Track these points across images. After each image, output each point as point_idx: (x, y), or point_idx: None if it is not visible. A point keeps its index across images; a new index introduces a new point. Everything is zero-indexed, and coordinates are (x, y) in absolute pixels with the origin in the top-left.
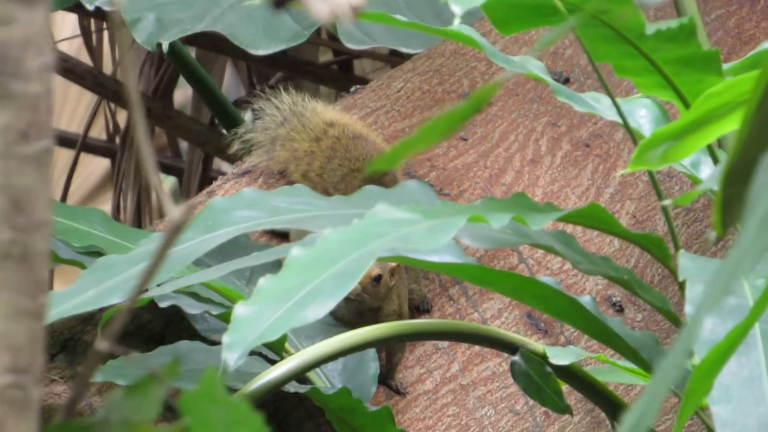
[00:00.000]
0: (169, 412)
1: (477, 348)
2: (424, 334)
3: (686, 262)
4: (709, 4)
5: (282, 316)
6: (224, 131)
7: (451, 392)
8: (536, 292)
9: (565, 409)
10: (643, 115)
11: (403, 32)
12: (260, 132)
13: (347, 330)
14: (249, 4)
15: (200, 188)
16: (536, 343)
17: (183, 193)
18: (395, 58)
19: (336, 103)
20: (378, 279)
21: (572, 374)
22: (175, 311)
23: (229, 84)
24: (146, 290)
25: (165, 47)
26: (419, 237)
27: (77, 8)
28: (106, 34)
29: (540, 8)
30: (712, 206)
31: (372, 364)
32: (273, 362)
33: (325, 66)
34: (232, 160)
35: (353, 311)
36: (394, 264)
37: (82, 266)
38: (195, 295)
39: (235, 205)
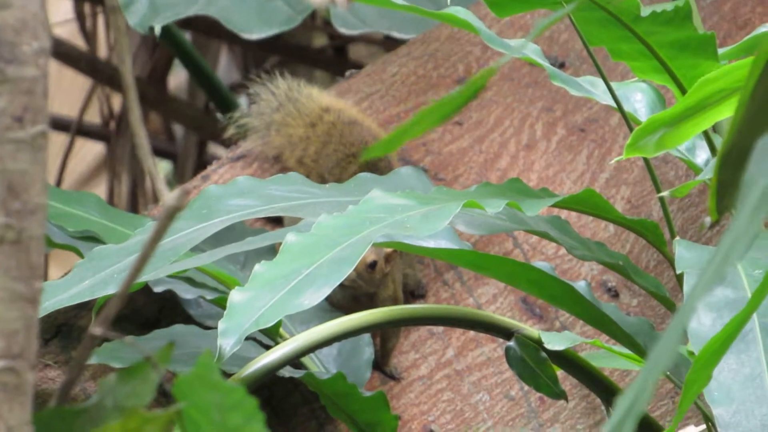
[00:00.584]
0: (164, 396)
1: (472, 333)
2: (419, 320)
3: (683, 252)
4: None
5: (277, 303)
6: (219, 116)
7: (446, 377)
8: (531, 277)
9: (560, 395)
10: (639, 99)
11: (397, 17)
12: (255, 117)
13: (342, 315)
14: None
15: (195, 173)
16: (531, 329)
17: (178, 177)
18: (390, 43)
19: (331, 87)
20: (373, 265)
21: (567, 359)
22: (170, 296)
23: (224, 68)
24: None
25: (157, 30)
26: (414, 223)
27: None
28: (101, 18)
29: None
30: (708, 191)
31: (367, 349)
32: (268, 347)
33: (319, 50)
34: (227, 144)
35: (348, 297)
36: (389, 250)
37: (77, 251)
38: (189, 280)
39: (230, 194)
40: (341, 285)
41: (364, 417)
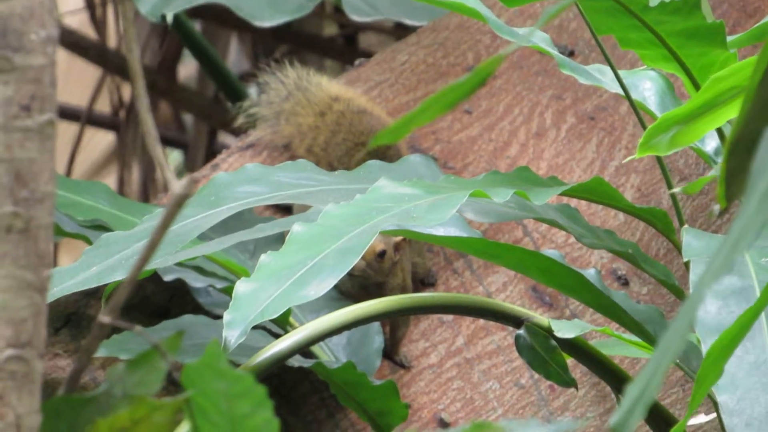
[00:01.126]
0: (173, 386)
1: (482, 321)
2: (428, 308)
3: (691, 240)
4: None
5: (283, 294)
6: (229, 105)
7: (456, 366)
8: (541, 265)
9: (570, 383)
10: (648, 87)
11: (407, 4)
12: (265, 106)
13: (351, 304)
14: None
15: (205, 162)
16: (541, 317)
17: (188, 166)
18: (400, 31)
19: (340, 76)
20: (382, 255)
21: (577, 348)
22: (180, 284)
23: (234, 57)
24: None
25: (169, 18)
26: (421, 213)
27: None
28: (111, 7)
29: None
30: (716, 179)
31: (376, 337)
32: (277, 336)
33: (329, 39)
34: (237, 133)
35: (357, 286)
36: (398, 238)
37: (86, 239)
38: (199, 269)
39: (238, 181)
40: (350, 274)
41: (374, 405)
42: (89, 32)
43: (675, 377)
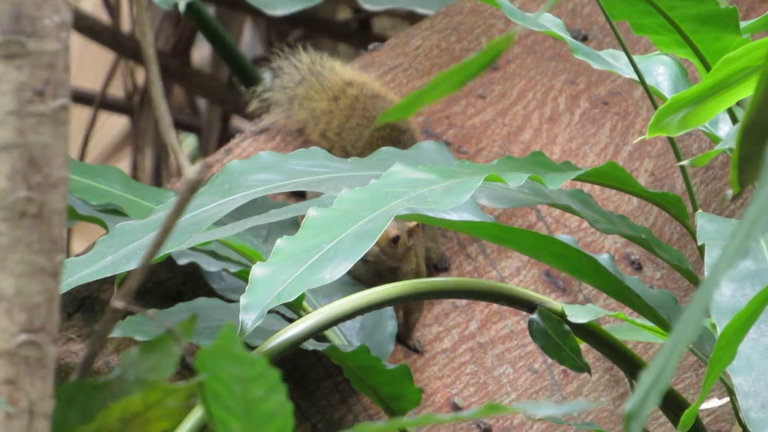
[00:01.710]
0: (187, 370)
1: (495, 306)
2: (442, 293)
3: (705, 224)
4: None
5: (299, 278)
6: (242, 89)
7: (470, 350)
8: (554, 250)
9: (583, 368)
10: (661, 72)
11: None
12: (278, 91)
13: (365, 288)
14: None
15: (219, 146)
16: (554, 302)
17: (202, 150)
18: (414, 15)
19: (354, 61)
20: (396, 240)
21: (591, 332)
22: (193, 269)
23: (248, 42)
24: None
25: (182, 7)
26: (435, 197)
27: None
28: None
29: None
30: (730, 164)
31: (390, 322)
32: (291, 320)
33: (343, 23)
34: (250, 117)
35: (371, 271)
36: (412, 224)
37: (102, 223)
38: (213, 254)
39: (252, 168)
40: (364, 259)
41: (388, 390)
42: (103, 16)
43: (688, 362)
